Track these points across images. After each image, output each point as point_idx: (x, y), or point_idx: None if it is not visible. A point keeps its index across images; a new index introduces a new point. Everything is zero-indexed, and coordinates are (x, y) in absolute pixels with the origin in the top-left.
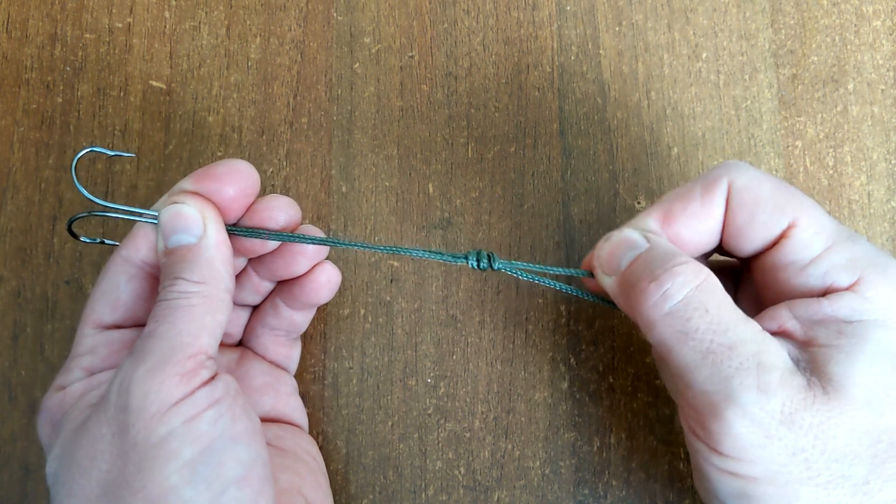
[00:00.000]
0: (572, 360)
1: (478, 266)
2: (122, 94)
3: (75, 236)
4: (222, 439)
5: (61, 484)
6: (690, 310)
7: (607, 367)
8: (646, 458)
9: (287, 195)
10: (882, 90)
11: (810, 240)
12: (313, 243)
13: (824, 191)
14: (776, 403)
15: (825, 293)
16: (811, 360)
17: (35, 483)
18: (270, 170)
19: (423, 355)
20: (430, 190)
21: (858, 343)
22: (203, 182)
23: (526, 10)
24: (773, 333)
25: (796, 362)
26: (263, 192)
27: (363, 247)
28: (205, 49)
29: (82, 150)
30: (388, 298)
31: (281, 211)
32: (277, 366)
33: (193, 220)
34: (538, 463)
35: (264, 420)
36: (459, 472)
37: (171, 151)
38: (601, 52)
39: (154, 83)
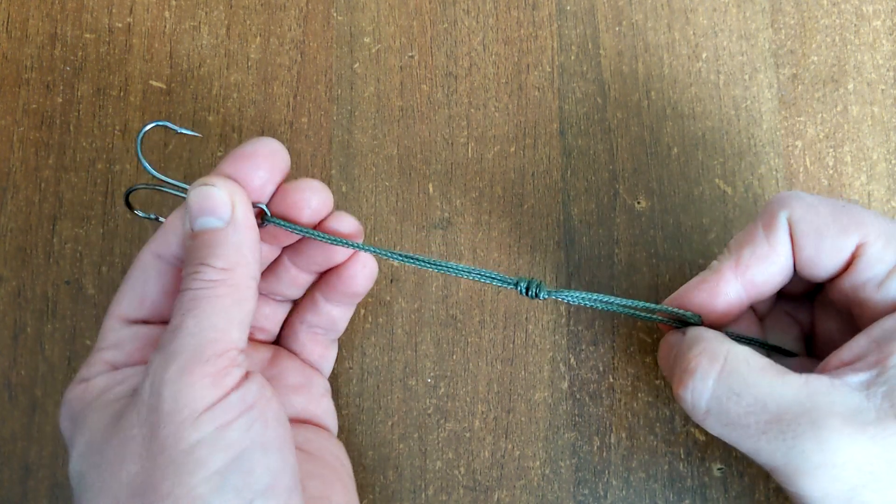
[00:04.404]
0: (572, 360)
1: (526, 293)
2: (122, 94)
3: (131, 208)
4: (253, 447)
5: (88, 485)
6: (724, 401)
7: (607, 367)
8: (646, 458)
9: None
10: (882, 90)
11: (881, 254)
12: (352, 247)
13: (824, 191)
14: (844, 455)
15: None
16: (887, 382)
17: (35, 482)
18: None
19: (423, 355)
20: (430, 190)
21: None
22: (236, 163)
23: (526, 10)
24: (852, 363)
25: (868, 390)
26: None
27: (407, 259)
28: (205, 49)
29: (149, 123)
30: (388, 298)
31: (313, 193)
32: (311, 366)
33: (222, 202)
34: (538, 463)
35: (294, 421)
36: (459, 472)
37: (171, 151)
38: (601, 52)
39: (154, 83)
